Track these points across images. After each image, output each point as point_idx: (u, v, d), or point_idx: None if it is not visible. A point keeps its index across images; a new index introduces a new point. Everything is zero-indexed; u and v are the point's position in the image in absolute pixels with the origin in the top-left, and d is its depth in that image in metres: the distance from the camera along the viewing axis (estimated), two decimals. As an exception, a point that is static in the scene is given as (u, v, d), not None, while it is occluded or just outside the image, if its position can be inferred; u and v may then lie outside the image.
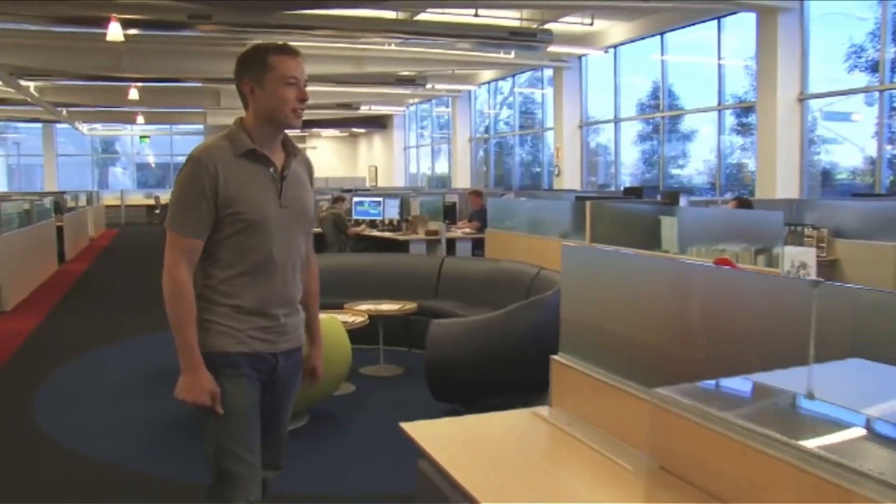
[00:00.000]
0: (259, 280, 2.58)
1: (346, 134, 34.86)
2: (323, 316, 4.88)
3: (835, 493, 1.36)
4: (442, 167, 27.55)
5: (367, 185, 28.55)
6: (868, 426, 1.47)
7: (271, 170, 2.59)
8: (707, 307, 2.18)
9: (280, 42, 2.63)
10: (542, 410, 2.70)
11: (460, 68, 19.09)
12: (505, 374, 4.96)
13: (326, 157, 34.65)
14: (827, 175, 13.08)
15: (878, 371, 1.54)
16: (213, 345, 2.54)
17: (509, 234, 8.82)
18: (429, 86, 20.81)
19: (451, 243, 10.98)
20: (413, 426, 2.46)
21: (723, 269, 2.31)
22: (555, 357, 2.73)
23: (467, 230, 11.53)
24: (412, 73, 18.93)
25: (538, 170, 21.25)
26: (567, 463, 2.34)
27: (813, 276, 5.72)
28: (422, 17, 13.46)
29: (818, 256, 7.61)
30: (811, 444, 1.37)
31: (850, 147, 12.72)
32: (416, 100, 27.14)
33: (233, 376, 2.55)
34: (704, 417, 1.63)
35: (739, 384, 1.76)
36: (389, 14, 13.40)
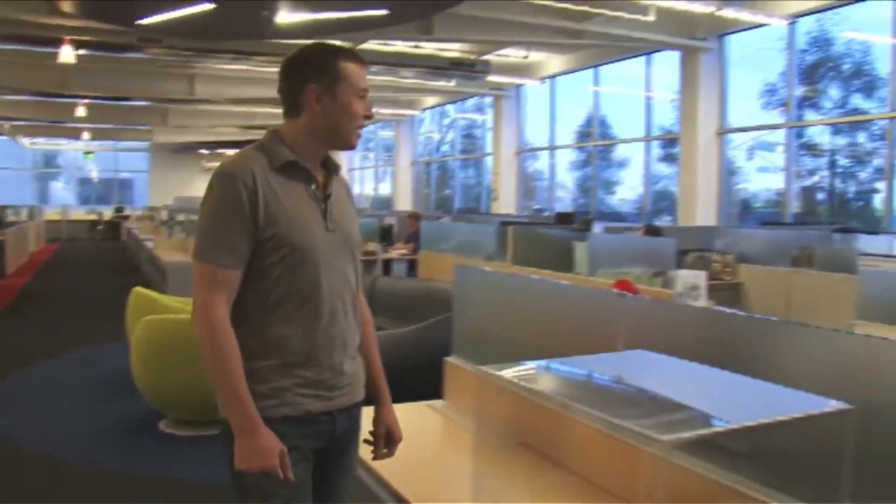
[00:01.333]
0: (307, 320, 2.12)
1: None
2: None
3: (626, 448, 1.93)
4: (386, 189, 28.12)
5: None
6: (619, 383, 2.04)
7: (313, 187, 2.17)
8: (555, 314, 2.75)
9: (344, 44, 2.31)
10: (437, 403, 3.25)
11: (404, 94, 19.72)
12: (423, 381, 5.47)
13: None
14: (746, 204, 13.93)
15: (658, 359, 2.12)
16: None
17: (441, 255, 9.37)
18: (374, 110, 21.29)
19: (387, 264, 11.49)
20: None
21: (562, 284, 2.87)
22: (448, 359, 3.28)
23: (403, 251, 12.03)
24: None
25: (478, 192, 21.93)
26: (455, 446, 2.88)
27: (703, 296, 6.38)
28: (366, 46, 14.03)
29: (722, 280, 8.33)
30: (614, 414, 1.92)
31: (769, 174, 13.55)
32: (362, 123, 27.61)
33: None
34: (523, 391, 2.17)
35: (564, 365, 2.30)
36: (336, 42, 13.92)
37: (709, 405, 1.60)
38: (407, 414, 3.15)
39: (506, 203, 18.82)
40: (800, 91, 12.25)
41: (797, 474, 1.75)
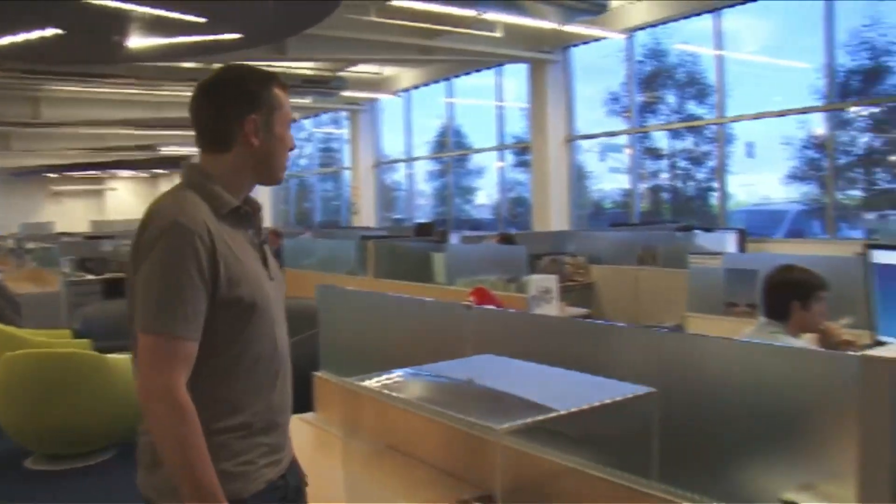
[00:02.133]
0: (266, 381, 1.94)
1: (147, 175, 34.35)
2: (122, 356, 5.35)
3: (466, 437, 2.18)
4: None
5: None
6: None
7: (251, 232, 2.00)
8: (412, 327, 3.00)
9: (266, 68, 2.05)
10: (308, 416, 3.44)
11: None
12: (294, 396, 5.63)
13: (126, 198, 33.96)
14: (598, 206, 14.64)
15: (501, 361, 2.39)
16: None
17: (303, 272, 9.47)
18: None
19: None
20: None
21: (416, 300, 3.14)
22: (317, 373, 3.48)
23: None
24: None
25: (338, 205, 22.03)
26: (327, 453, 3.08)
27: (556, 298, 6.78)
28: (217, 65, 13.94)
29: (575, 281, 8.81)
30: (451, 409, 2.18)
31: (617, 175, 14.26)
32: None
33: None
34: (389, 399, 2.41)
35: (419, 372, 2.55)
36: (187, 63, 13.83)
37: (544, 397, 1.86)
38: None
39: (366, 215, 19.02)
40: (640, 98, 13.02)
41: (620, 452, 2.06)
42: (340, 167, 21.43)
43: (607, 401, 1.83)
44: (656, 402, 1.92)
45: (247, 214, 1.96)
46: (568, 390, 1.98)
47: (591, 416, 1.78)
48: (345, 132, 20.79)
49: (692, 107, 12.52)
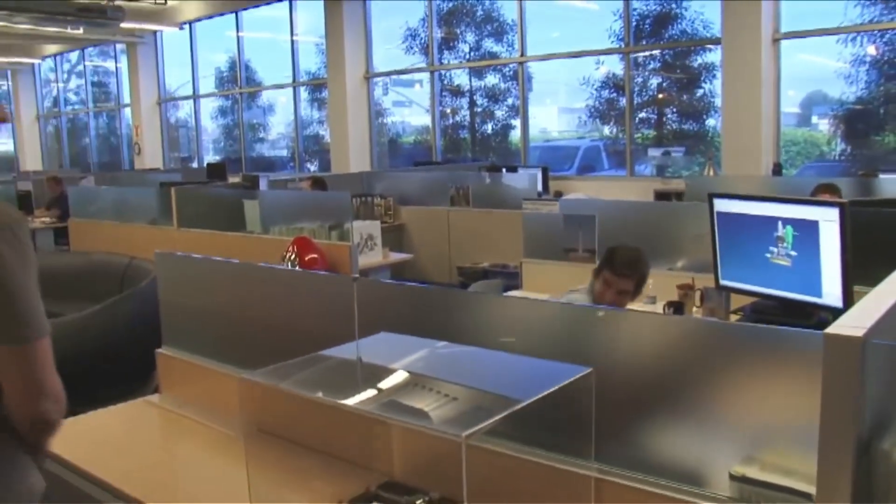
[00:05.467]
0: None
1: None
2: None
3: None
4: (5, 146, 25.35)
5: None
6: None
7: None
8: (277, 303, 2.73)
9: None
10: (153, 398, 3.09)
11: (20, 41, 17.84)
12: (108, 369, 5.15)
13: None
14: (394, 142, 14.49)
15: (399, 339, 2.20)
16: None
17: (95, 222, 8.72)
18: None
19: (32, 234, 10.49)
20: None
21: (285, 270, 2.87)
22: (160, 350, 3.13)
23: (46, 219, 11.06)
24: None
25: (115, 144, 20.58)
26: (183, 439, 2.77)
27: (379, 245, 6.62)
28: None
29: (385, 223, 8.66)
30: (354, 399, 1.96)
31: (418, 110, 14.14)
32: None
33: None
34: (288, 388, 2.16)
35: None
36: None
37: (490, 385, 1.71)
38: (123, 415, 2.98)
39: (150, 155, 17.89)
40: (439, 35, 12.90)
41: (560, 436, 1.94)
42: (119, 104, 19.93)
43: (558, 385, 1.69)
44: (592, 382, 1.81)
45: None
46: (500, 375, 1.83)
47: (544, 403, 1.64)
48: (123, 66, 19.29)
49: (490, 44, 12.56)
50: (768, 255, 3.67)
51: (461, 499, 1.87)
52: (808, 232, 3.44)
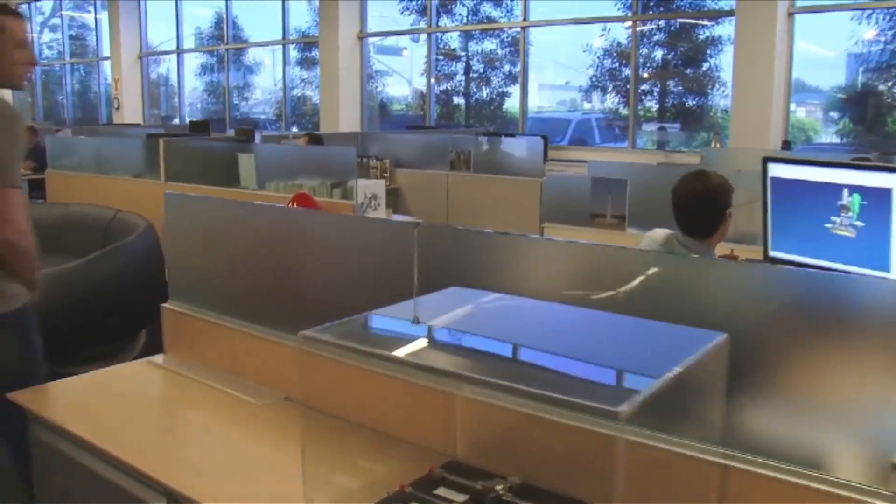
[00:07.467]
0: None
1: None
2: None
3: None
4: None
5: None
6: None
7: None
8: (318, 251, 2.36)
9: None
10: (158, 359, 2.72)
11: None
12: (94, 325, 4.78)
13: None
14: (384, 107, 14.06)
15: (473, 294, 1.85)
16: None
17: (74, 174, 8.27)
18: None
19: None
20: (23, 394, 2.34)
21: (332, 214, 2.51)
22: (165, 305, 2.76)
23: (23, 171, 10.56)
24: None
25: (92, 100, 19.94)
26: (194, 406, 2.41)
27: (383, 206, 6.26)
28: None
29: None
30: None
31: (400, 80, 13.75)
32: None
33: None
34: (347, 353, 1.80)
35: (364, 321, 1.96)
36: None
37: (611, 354, 1.37)
38: (124, 377, 2.62)
39: (129, 111, 17.27)
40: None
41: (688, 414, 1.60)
42: (98, 57, 19.24)
43: (696, 354, 1.35)
44: (727, 350, 1.48)
45: None
46: (631, 342, 1.49)
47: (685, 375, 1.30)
48: (102, 17, 18.60)
49: (488, 9, 12.15)
50: (828, 226, 3.35)
51: (541, 484, 1.56)
52: (878, 201, 3.12)
